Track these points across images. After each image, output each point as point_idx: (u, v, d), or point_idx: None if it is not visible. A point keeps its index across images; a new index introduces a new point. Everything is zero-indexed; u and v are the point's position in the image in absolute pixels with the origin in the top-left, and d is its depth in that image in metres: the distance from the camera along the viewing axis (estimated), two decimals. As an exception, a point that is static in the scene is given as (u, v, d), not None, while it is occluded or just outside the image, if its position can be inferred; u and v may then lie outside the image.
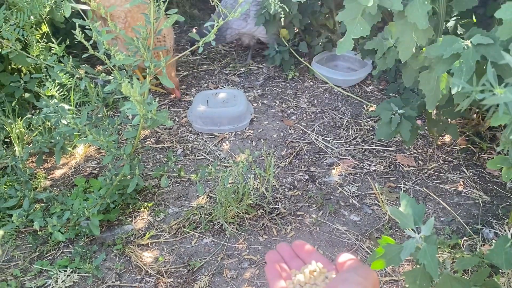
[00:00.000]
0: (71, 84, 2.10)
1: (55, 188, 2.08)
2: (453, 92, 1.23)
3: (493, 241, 1.77)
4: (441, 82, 1.48)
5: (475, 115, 2.31)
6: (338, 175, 2.14)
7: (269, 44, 2.92)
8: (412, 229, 0.97)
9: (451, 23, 1.91)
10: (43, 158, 2.18)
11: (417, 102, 1.93)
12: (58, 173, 2.17)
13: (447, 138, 2.31)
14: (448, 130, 2.01)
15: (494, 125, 1.16)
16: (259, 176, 2.04)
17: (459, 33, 1.87)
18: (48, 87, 1.88)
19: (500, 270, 1.49)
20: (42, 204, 1.93)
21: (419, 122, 2.30)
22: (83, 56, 1.69)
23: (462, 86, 0.97)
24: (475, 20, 2.05)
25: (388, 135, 1.88)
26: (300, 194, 2.04)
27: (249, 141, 2.37)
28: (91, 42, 1.60)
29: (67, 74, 1.80)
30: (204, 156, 2.27)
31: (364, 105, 2.61)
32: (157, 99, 2.30)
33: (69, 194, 1.96)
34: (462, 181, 2.08)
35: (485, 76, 0.90)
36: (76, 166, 2.21)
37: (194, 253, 1.79)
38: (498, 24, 1.24)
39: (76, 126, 1.61)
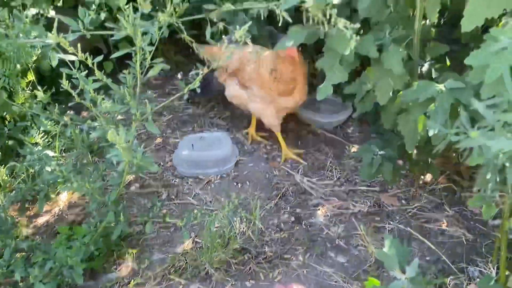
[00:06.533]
0: (56, 131, 2.10)
1: (37, 236, 2.03)
2: (430, 134, 1.28)
3: (478, 279, 1.78)
4: (418, 124, 1.54)
5: (454, 154, 2.36)
6: (324, 216, 2.15)
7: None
8: (398, 270, 0.98)
9: (426, 67, 2.00)
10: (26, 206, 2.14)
11: (397, 143, 1.98)
12: (40, 220, 2.13)
13: (429, 177, 2.36)
14: (429, 169, 2.05)
15: (472, 165, 1.20)
16: (245, 219, 2.04)
17: (433, 76, 1.95)
18: (32, 135, 1.88)
19: (487, 309, 1.49)
20: (24, 253, 1.89)
21: (401, 161, 2.34)
22: (70, 103, 1.71)
23: (438, 129, 1.02)
24: (449, 63, 2.14)
25: (371, 176, 1.91)
26: (286, 236, 2.04)
27: (235, 183, 2.38)
28: (78, 90, 1.62)
29: (52, 121, 1.81)
30: (190, 200, 2.26)
31: (347, 146, 2.66)
32: (143, 144, 2.32)
33: (52, 243, 1.92)
34: (446, 220, 2.10)
35: (460, 119, 0.95)
36: (59, 213, 2.18)
37: (180, 300, 1.75)
38: (470, 69, 1.32)
39: (61, 173, 1.60)
